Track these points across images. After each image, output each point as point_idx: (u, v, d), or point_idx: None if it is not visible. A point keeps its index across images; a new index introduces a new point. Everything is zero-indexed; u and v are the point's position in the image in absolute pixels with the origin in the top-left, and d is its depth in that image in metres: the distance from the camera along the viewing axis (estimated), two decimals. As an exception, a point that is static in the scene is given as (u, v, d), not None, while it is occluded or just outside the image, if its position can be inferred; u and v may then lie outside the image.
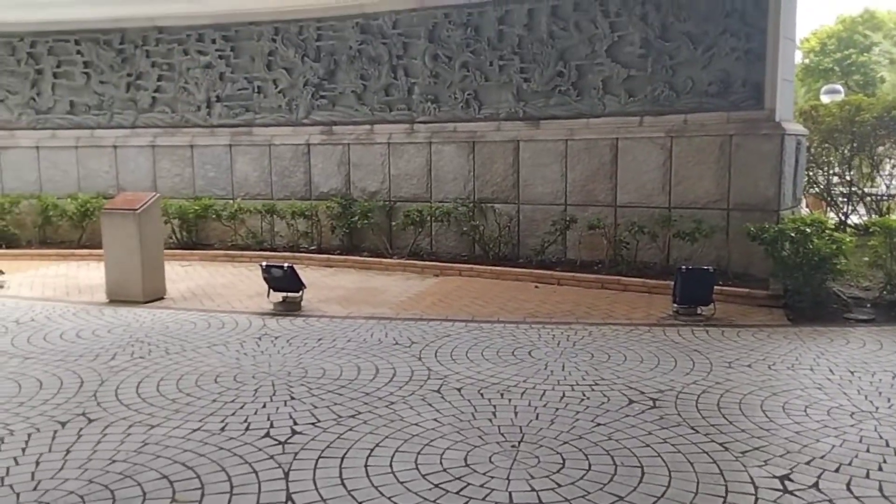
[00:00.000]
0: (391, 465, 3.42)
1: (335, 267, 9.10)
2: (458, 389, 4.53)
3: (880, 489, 3.14)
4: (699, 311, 6.51)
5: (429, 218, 9.26)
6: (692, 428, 3.88)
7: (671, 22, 8.17)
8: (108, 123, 11.09)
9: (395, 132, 9.74)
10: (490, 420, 4.02)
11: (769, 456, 3.50)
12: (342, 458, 3.50)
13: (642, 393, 4.46)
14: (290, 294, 6.86)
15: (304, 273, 7.98)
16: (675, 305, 6.59)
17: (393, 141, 9.71)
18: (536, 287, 7.90)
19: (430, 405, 4.25)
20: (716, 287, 6.70)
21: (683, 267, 6.64)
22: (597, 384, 4.64)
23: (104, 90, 11.07)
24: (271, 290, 6.90)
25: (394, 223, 9.53)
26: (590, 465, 3.42)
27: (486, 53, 9.20)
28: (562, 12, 8.73)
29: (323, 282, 8.17)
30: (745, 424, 3.92)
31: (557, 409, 4.17)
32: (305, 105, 10.26)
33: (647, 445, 3.65)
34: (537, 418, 4.04)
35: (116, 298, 7.21)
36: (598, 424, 3.94)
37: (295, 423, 3.96)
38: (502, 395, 4.44)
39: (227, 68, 10.54)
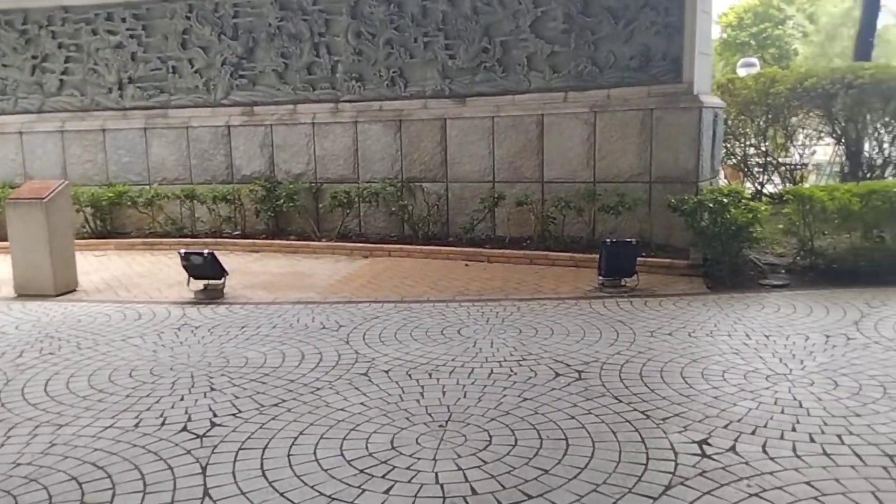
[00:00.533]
0: (315, 453, 3.34)
1: (261, 252, 8.86)
2: (386, 372, 4.47)
3: (794, 449, 3.25)
4: (623, 283, 6.63)
5: (357, 199, 9.11)
6: (616, 398, 3.94)
7: (592, -3, 8.21)
8: (13, 109, 10.47)
9: (319, 112, 9.50)
10: (418, 401, 3.98)
11: (688, 421, 3.58)
12: (264, 449, 3.40)
13: (568, 366, 4.50)
14: (211, 281, 6.63)
15: (228, 259, 7.75)
16: (601, 278, 6.69)
17: (317, 121, 9.48)
18: (466, 265, 7.89)
19: (357, 389, 4.17)
20: (639, 258, 6.83)
21: (608, 240, 6.74)
22: (524, 359, 4.65)
23: (7, 74, 10.43)
24: (191, 279, 6.65)
25: (321, 205, 9.34)
26: (516, 441, 3.42)
27: (411, 30, 9.06)
28: (484, -13, 8.66)
29: (248, 268, 7.94)
30: (666, 392, 4.01)
31: (485, 387, 4.17)
32: (224, 85, 9.90)
33: (572, 417, 3.68)
34: (465, 396, 4.02)
35: (25, 293, 6.82)
36: (525, 399, 3.95)
37: (214, 416, 3.82)
38: (430, 375, 4.41)
39: (138, 48, 10.05)
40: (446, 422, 3.67)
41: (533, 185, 8.56)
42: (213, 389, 4.22)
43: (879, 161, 10.54)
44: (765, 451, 3.23)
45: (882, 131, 10.38)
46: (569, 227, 8.22)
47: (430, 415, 3.77)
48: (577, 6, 8.25)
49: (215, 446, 3.45)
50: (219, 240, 9.18)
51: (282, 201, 9.21)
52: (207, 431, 3.62)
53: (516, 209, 8.40)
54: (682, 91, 7.87)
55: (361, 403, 3.95)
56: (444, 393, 4.09)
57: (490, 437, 3.47)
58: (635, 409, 3.77)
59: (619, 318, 5.64)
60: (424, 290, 6.75)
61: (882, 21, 24.74)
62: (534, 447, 3.35)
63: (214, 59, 9.87)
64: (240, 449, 3.41)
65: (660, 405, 3.82)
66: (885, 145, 10.49)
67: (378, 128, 9.20)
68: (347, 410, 3.86)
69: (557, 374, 4.34)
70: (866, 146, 10.68)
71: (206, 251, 6.65)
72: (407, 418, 3.73)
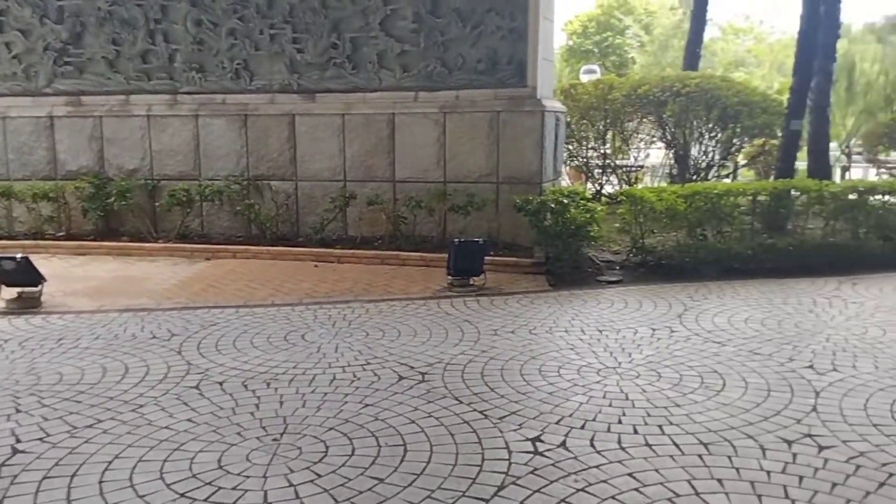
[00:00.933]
0: (131, 478, 3.06)
1: (88, 255, 8.15)
2: (220, 383, 4.22)
3: (619, 441, 3.40)
4: (472, 282, 6.72)
5: (198, 197, 8.61)
6: (456, 399, 3.95)
7: (441, -3, 8.26)
8: None
9: (155, 103, 8.89)
10: (252, 414, 3.78)
11: (524, 419, 3.65)
12: (72, 477, 3.07)
13: (412, 368, 4.47)
14: (26, 289, 5.98)
15: (50, 263, 7.07)
16: (450, 277, 6.75)
17: (153, 113, 8.86)
18: (316, 266, 7.69)
19: (185, 404, 3.90)
20: (487, 257, 6.96)
21: (456, 240, 6.81)
22: (369, 363, 4.57)
23: None
24: (3, 286, 5.97)
25: (158, 204, 8.74)
26: (353, 450, 3.32)
27: (256, 21, 8.68)
28: (333, -18, 8.46)
29: (72, 272, 7.27)
30: (505, 390, 4.07)
31: (326, 394, 4.04)
32: (47, 72, 9.02)
33: (413, 422, 3.64)
34: (304, 406, 3.87)
35: None
36: (366, 405, 3.86)
37: (17, 441, 3.42)
38: (269, 384, 4.21)
39: (-58, 27, 8.93)
40: (281, 434, 3.51)
41: (385, 185, 8.49)
42: (18, 411, 3.78)
43: (704, 164, 11.48)
44: (592, 445, 3.35)
45: (706, 136, 11.31)
46: (420, 226, 8.24)
47: (264, 428, 3.59)
48: (426, 6, 8.27)
49: (15, 476, 3.07)
50: (40, 242, 8.35)
51: (113, 199, 8.52)
52: (7, 460, 3.22)
53: (368, 209, 8.30)
54: (527, 95, 8.11)
55: (189, 420, 3.69)
56: (281, 403, 3.91)
57: (326, 447, 3.35)
58: (475, 410, 3.79)
59: (466, 317, 5.70)
60: (269, 294, 6.49)
61: (709, 34, 27.10)
62: (371, 455, 3.27)
63: (36, 44, 8.97)
64: (44, 478, 3.06)
65: (498, 404, 3.87)
66: (710, 149, 11.44)
67: (221, 122, 8.75)
68: (172, 428, 3.58)
69: (401, 378, 4.30)
70: (693, 150, 11.59)
71: (19, 255, 6.00)
72: (238, 433, 3.52)
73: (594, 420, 3.64)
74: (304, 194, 8.70)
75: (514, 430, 3.52)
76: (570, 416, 3.70)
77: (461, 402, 3.90)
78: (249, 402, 3.93)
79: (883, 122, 12.25)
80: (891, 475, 3.04)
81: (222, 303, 6.14)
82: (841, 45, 13.51)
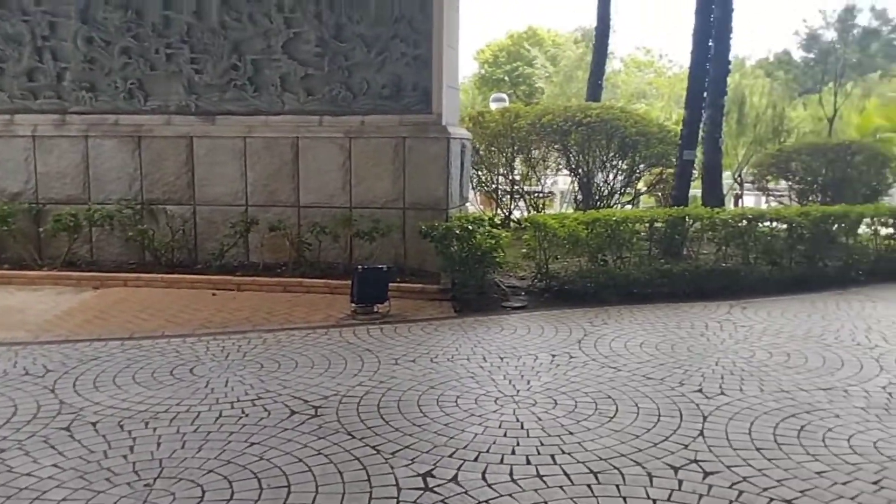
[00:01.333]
0: (-23, 536, 2.77)
1: (-39, 284, 7.54)
2: (94, 424, 3.92)
3: (511, 473, 3.35)
4: (376, 309, 6.61)
5: (86, 222, 8.12)
6: (349, 434, 3.81)
7: (345, 23, 8.17)
8: None
9: (41, 123, 8.38)
10: (125, 457, 3.51)
11: (417, 453, 3.56)
12: None
13: (306, 402, 4.30)
14: None
15: (-89, 295, 6.47)
16: (354, 305, 6.62)
17: (39, 133, 8.35)
18: (214, 294, 7.37)
19: (52, 448, 3.59)
20: (392, 284, 6.89)
21: (359, 266, 6.70)
22: (260, 398, 4.37)
23: None
24: None
25: (42, 229, 8.18)
26: (232, 494, 3.13)
27: (152, 40, 8.35)
28: (234, 2, 8.22)
29: (-61, 304, 6.69)
30: (401, 423, 3.97)
31: (209, 433, 3.81)
32: (-81, 88, 8.37)
33: (300, 460, 3.47)
34: (183, 447, 3.64)
35: None
36: (252, 444, 3.67)
37: None
38: (147, 424, 3.94)
39: None
40: (154, 479, 3.27)
41: (289, 210, 8.28)
42: None
43: (607, 191, 11.83)
44: (484, 479, 3.29)
45: (609, 165, 11.67)
46: (325, 252, 8.06)
47: (136, 472, 3.34)
48: (329, 31, 8.18)
49: None
50: None
51: (-8, 225, 7.93)
52: None
53: (270, 235, 8.06)
54: (432, 122, 8.12)
55: (54, 465, 3.39)
56: (158, 445, 3.66)
57: (203, 492, 3.15)
58: (367, 445, 3.66)
59: (368, 346, 5.57)
60: (160, 325, 6.15)
61: (612, 67, 28.27)
62: (251, 499, 3.09)
63: None
64: None
65: (392, 438, 3.76)
66: (612, 177, 11.80)
67: (113, 144, 8.33)
68: (35, 475, 3.28)
69: (293, 413, 4.12)
70: (598, 177, 11.93)
71: None
72: (108, 479, 3.26)
73: (488, 451, 3.59)
74: (203, 219, 8.36)
75: (406, 466, 3.41)
76: (465, 448, 3.63)
77: (354, 438, 3.76)
78: (124, 445, 3.66)
79: (770, 153, 13.00)
80: (771, 500, 3.12)
81: (106, 335, 5.77)
82: (733, 79, 14.34)
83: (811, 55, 37.63)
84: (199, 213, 8.37)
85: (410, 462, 3.46)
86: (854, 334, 5.99)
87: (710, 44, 10.11)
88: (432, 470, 3.37)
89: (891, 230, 9.05)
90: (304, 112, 8.33)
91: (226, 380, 4.70)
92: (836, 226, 8.66)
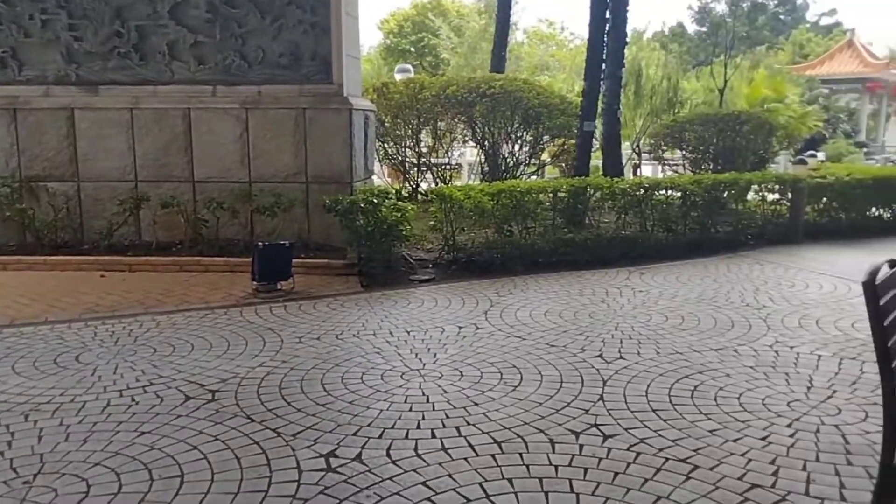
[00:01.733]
0: None
1: None
2: (-36, 421, 3.60)
3: (416, 448, 3.32)
4: (279, 287, 6.41)
5: (-43, 203, 7.47)
6: (248, 417, 3.67)
7: (237, -14, 7.79)
8: None
9: None
10: (2, 453, 3.25)
11: (319, 433, 3.46)
12: None
13: (202, 386, 4.11)
14: None
15: None
16: (255, 283, 6.40)
17: None
18: (103, 276, 6.94)
19: (-87, 450, 3.27)
20: (297, 260, 6.71)
21: (260, 243, 6.47)
22: (152, 384, 4.14)
23: None
24: None
25: None
26: (120, 487, 2.95)
27: (24, 5, 7.71)
28: (114, -37, 7.69)
29: None
30: (303, 403, 3.86)
31: (96, 424, 3.58)
32: None
33: (195, 448, 3.31)
34: (67, 440, 3.40)
35: None
36: (142, 434, 3.47)
37: None
38: (27, 417, 3.66)
39: None
40: (35, 476, 3.04)
41: (183, 185, 7.88)
42: None
43: (513, 162, 11.93)
44: (389, 456, 3.24)
45: (514, 136, 11.75)
46: (224, 229, 7.74)
47: (14, 469, 3.09)
48: (221, -5, 7.77)
49: None
50: None
51: None
52: None
53: (163, 212, 7.65)
54: (333, 92, 7.89)
55: (-84, 469, 3.09)
56: (39, 439, 3.41)
57: (88, 486, 2.95)
58: (267, 428, 3.54)
59: (270, 325, 5.40)
60: (43, 310, 5.73)
61: (516, 39, 28.47)
62: (141, 492, 2.91)
63: None
64: None
65: (294, 419, 3.65)
66: (517, 148, 11.91)
67: (-16, 117, 7.66)
68: None
69: (188, 398, 3.93)
70: (504, 149, 12.00)
71: None
72: (-21, 480, 3.00)
73: (393, 427, 3.54)
74: (89, 196, 7.85)
75: (308, 447, 3.32)
76: (369, 425, 3.56)
77: (253, 421, 3.62)
78: (1, 440, 3.38)
79: (665, 124, 13.47)
80: (667, 460, 3.22)
81: (-19, 324, 5.33)
82: (630, 51, 14.71)
83: (703, 28, 39.30)
84: (84, 189, 7.85)
85: (313, 443, 3.36)
86: (743, 296, 6.30)
87: (607, 16, 10.29)
88: (335, 450, 3.28)
89: (777, 196, 9.59)
90: (195, 81, 7.92)
91: (115, 366, 4.43)
92: (726, 193, 9.09)
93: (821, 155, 16.64)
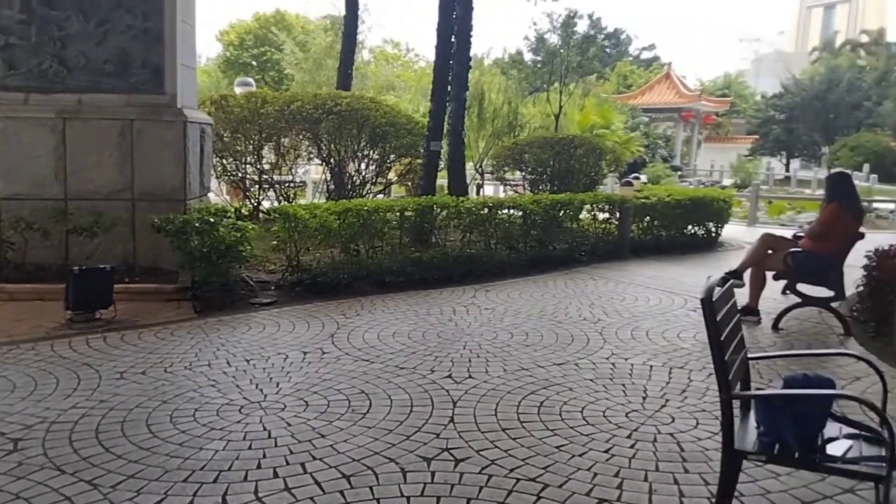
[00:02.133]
0: None
1: None
2: None
3: (255, 491, 3.05)
4: (98, 316, 5.79)
5: None
6: (58, 469, 3.20)
7: (56, -12, 7.05)
8: None
9: None
10: None
11: (144, 482, 3.09)
12: None
13: (2, 434, 3.56)
14: None
15: None
16: (70, 312, 5.73)
17: None
18: None
19: None
20: (120, 285, 6.13)
21: (76, 268, 5.81)
22: (-65, 436, 3.52)
23: None
24: None
25: None
26: None
27: None
28: None
29: None
30: (125, 448, 3.44)
31: None
32: None
33: (-13, 511, 2.83)
34: None
35: None
36: (-81, 498, 2.92)
37: None
38: None
39: None
40: None
41: (-15, 203, 6.96)
42: None
43: (359, 181, 11.77)
44: (224, 500, 2.94)
45: (360, 154, 11.60)
46: (34, 252, 6.91)
47: None
48: (37, -6, 6.99)
49: None
50: None
51: None
52: None
53: (-41, 233, 6.71)
54: (166, 103, 7.34)
55: None
56: None
57: None
58: (81, 480, 3.10)
59: (87, 359, 4.83)
60: None
61: (361, 57, 28.45)
62: (-88, 573, 2.42)
63: None
64: None
65: (113, 468, 3.23)
66: (364, 167, 11.77)
67: None
68: None
69: (-18, 450, 3.37)
70: (350, 167, 11.81)
71: None
72: None
73: (230, 469, 3.23)
74: None
75: (130, 500, 2.94)
76: (202, 469, 3.23)
77: (64, 473, 3.17)
78: None
79: (506, 146, 13.96)
80: (518, 480, 3.19)
81: None
82: (474, 75, 15.14)
83: (539, 57, 41.56)
84: None
85: (136, 494, 2.98)
86: (580, 310, 6.56)
87: (452, 40, 10.49)
88: (162, 501, 2.93)
89: (606, 215, 10.19)
90: (5, 88, 7.09)
91: None
92: (562, 212, 9.51)
93: (643, 177, 18.03)
